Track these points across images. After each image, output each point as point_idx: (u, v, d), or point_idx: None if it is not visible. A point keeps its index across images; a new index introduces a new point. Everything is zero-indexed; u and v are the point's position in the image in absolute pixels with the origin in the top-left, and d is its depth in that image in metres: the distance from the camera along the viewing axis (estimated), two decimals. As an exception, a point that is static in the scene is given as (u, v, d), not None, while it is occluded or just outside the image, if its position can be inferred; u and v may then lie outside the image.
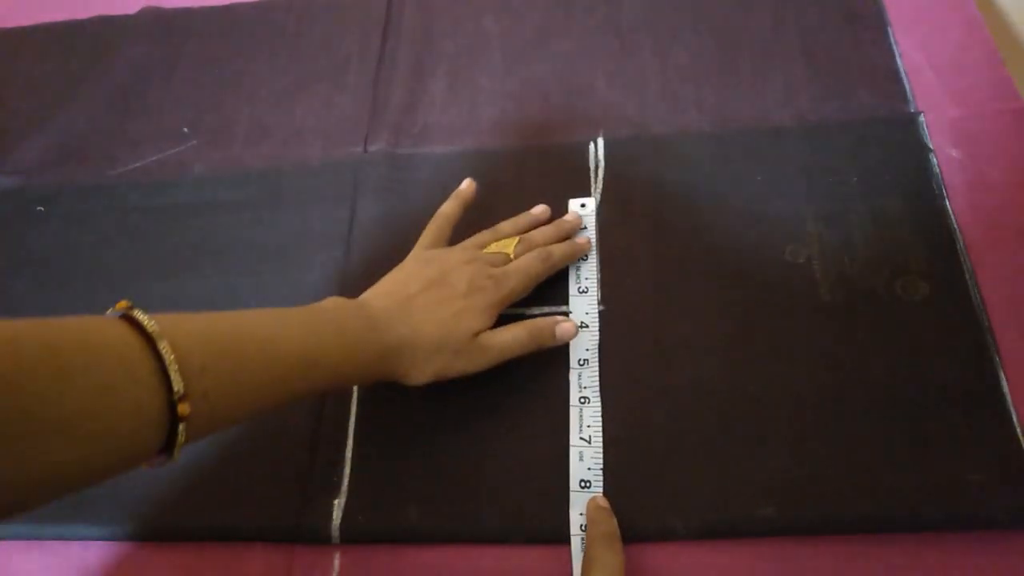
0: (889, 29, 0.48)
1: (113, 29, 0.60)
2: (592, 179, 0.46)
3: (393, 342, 0.35)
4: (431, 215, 0.43)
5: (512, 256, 0.40)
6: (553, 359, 0.40)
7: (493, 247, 0.41)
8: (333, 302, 0.36)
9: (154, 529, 0.39)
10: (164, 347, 0.26)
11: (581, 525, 0.35)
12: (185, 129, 0.54)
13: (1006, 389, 0.36)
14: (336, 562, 0.37)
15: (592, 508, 0.35)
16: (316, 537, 0.37)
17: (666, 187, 0.45)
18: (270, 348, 0.31)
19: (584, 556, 0.34)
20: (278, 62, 0.56)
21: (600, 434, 0.37)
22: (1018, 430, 0.35)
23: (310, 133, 0.52)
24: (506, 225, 0.43)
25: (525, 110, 0.50)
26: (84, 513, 0.39)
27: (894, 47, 0.47)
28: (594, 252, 0.43)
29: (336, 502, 0.38)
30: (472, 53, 0.53)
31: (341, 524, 0.37)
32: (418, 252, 0.41)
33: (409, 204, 0.47)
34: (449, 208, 0.43)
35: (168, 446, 0.27)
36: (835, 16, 0.49)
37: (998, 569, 0.33)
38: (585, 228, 0.44)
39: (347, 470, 0.38)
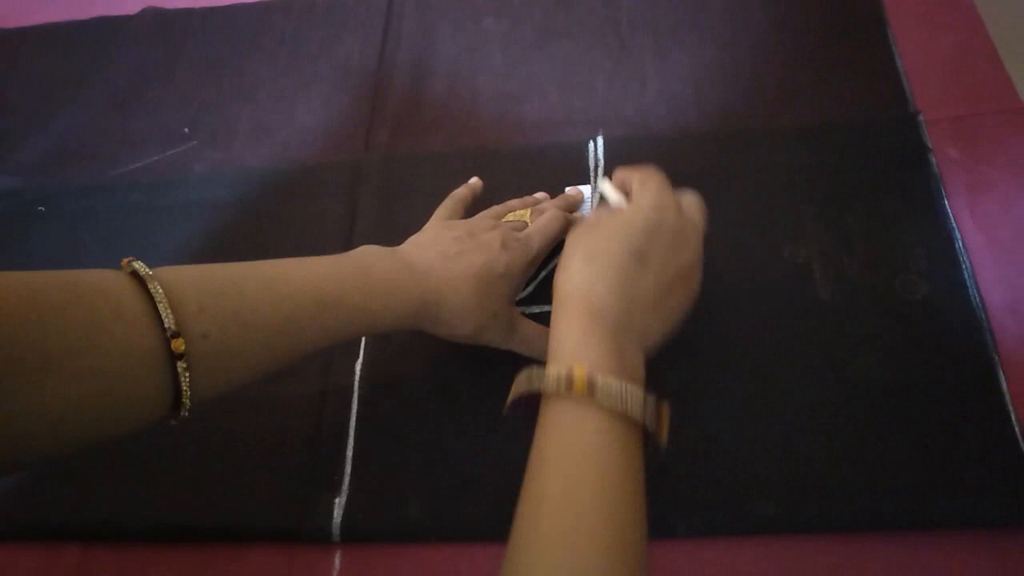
0: (888, 29, 0.48)
1: (114, 30, 0.60)
2: (592, 178, 0.46)
3: (434, 286, 0.34)
4: (432, 215, 0.43)
5: (529, 222, 0.41)
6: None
7: (509, 217, 0.42)
8: (363, 248, 0.36)
9: (155, 529, 0.39)
10: (154, 287, 0.26)
11: None
12: (185, 129, 0.54)
13: (1005, 388, 0.36)
14: (337, 561, 0.37)
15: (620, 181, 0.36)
16: (317, 536, 0.37)
17: (666, 187, 0.45)
18: (277, 287, 0.30)
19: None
20: (278, 62, 0.56)
21: None
22: (1016, 429, 0.35)
23: (310, 133, 0.52)
24: (515, 201, 0.43)
25: (525, 110, 0.50)
26: (85, 511, 0.39)
27: (893, 47, 0.47)
28: None
29: (337, 501, 0.38)
30: (472, 54, 0.54)
31: (342, 523, 0.37)
32: (437, 222, 0.40)
33: (409, 204, 0.47)
34: (462, 191, 0.43)
35: (178, 399, 0.27)
36: (834, 16, 0.49)
37: (997, 568, 0.33)
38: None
39: (348, 469, 0.39)
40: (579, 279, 0.32)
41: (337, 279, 0.32)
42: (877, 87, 0.46)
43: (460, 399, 0.40)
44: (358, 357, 0.42)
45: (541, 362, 0.36)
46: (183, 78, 0.57)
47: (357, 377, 0.41)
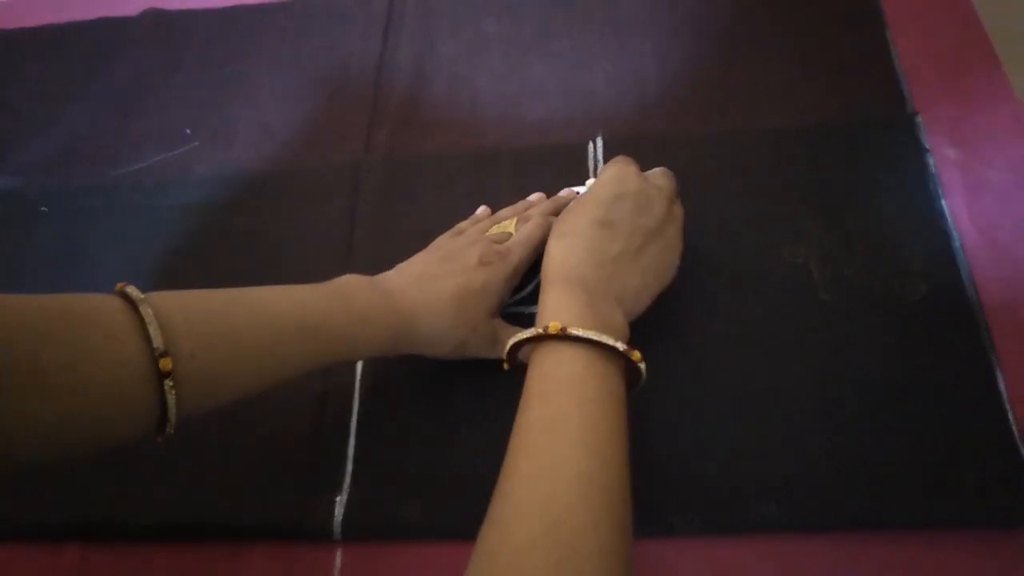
0: (886, 30, 0.48)
1: (115, 31, 0.60)
2: (591, 179, 0.46)
3: (410, 310, 0.36)
4: (432, 215, 0.44)
5: (514, 233, 0.42)
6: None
7: (494, 229, 0.42)
8: (345, 277, 0.37)
9: (155, 528, 0.39)
10: (144, 309, 0.27)
11: None
12: (187, 130, 0.54)
13: (1003, 388, 0.36)
14: (338, 559, 0.37)
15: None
16: (318, 534, 0.37)
17: (665, 187, 0.45)
18: (262, 312, 0.32)
19: None
20: (279, 63, 0.56)
21: None
22: (1014, 429, 0.35)
23: (311, 134, 0.52)
24: (505, 211, 0.44)
25: (525, 110, 0.50)
26: (85, 511, 0.40)
27: (891, 47, 0.47)
28: None
29: (338, 499, 0.38)
30: (472, 54, 0.54)
31: (343, 521, 0.37)
32: (427, 247, 0.42)
33: (410, 204, 0.47)
34: (465, 225, 0.44)
35: (164, 416, 0.28)
36: (833, 17, 0.50)
37: (996, 568, 0.33)
38: None
39: (349, 467, 0.39)
40: (555, 254, 0.36)
41: (319, 307, 0.34)
42: (875, 87, 0.46)
43: (460, 398, 0.40)
44: (359, 357, 0.42)
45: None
46: (184, 79, 0.57)
47: (358, 376, 0.41)
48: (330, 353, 0.34)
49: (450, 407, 0.40)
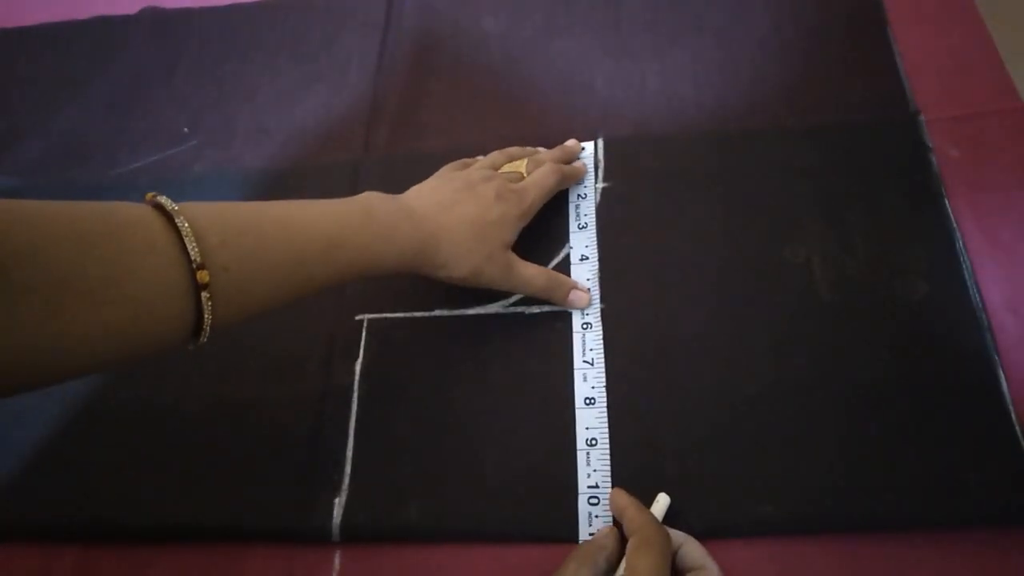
0: (888, 29, 0.48)
1: (113, 29, 0.60)
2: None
3: (431, 231, 0.37)
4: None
5: (525, 174, 0.43)
6: (556, 359, 0.40)
7: (506, 168, 0.43)
8: (366, 193, 0.38)
9: (154, 529, 0.39)
10: (181, 221, 0.28)
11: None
12: (185, 129, 0.54)
13: (1005, 388, 0.36)
14: (336, 561, 0.37)
15: (618, 509, 0.34)
16: (317, 536, 0.37)
17: (665, 187, 0.45)
18: (290, 227, 0.33)
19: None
20: (278, 62, 0.56)
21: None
22: (1017, 429, 0.35)
23: (310, 133, 0.52)
24: (515, 149, 0.45)
25: (525, 110, 0.50)
26: (84, 511, 0.40)
27: (894, 46, 0.47)
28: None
29: (337, 500, 0.38)
30: (472, 53, 0.53)
31: (341, 523, 0.37)
32: (438, 174, 0.42)
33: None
34: (469, 160, 0.45)
35: (198, 326, 0.29)
36: (834, 15, 0.49)
37: (998, 568, 0.33)
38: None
39: (348, 469, 0.39)
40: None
41: (343, 222, 0.35)
42: (877, 87, 0.46)
43: (459, 399, 0.40)
44: (358, 357, 0.42)
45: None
46: (182, 78, 0.57)
47: (357, 377, 0.41)
48: (356, 267, 0.35)
49: (449, 408, 0.40)
